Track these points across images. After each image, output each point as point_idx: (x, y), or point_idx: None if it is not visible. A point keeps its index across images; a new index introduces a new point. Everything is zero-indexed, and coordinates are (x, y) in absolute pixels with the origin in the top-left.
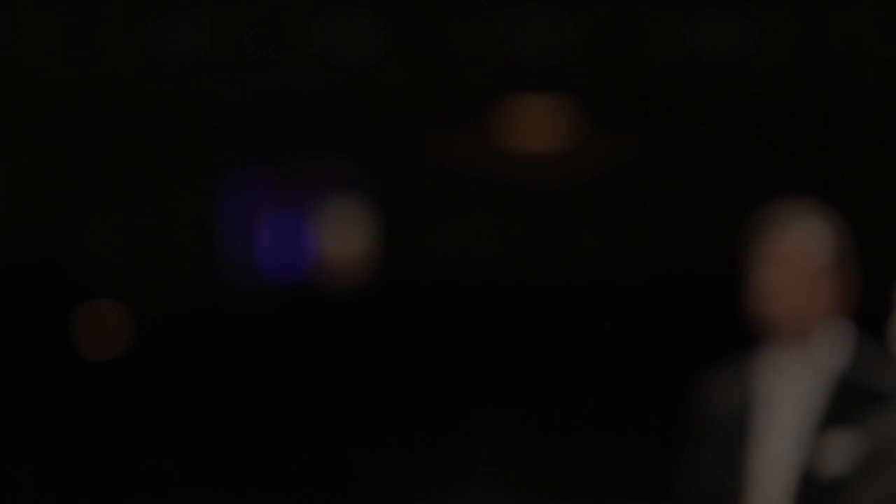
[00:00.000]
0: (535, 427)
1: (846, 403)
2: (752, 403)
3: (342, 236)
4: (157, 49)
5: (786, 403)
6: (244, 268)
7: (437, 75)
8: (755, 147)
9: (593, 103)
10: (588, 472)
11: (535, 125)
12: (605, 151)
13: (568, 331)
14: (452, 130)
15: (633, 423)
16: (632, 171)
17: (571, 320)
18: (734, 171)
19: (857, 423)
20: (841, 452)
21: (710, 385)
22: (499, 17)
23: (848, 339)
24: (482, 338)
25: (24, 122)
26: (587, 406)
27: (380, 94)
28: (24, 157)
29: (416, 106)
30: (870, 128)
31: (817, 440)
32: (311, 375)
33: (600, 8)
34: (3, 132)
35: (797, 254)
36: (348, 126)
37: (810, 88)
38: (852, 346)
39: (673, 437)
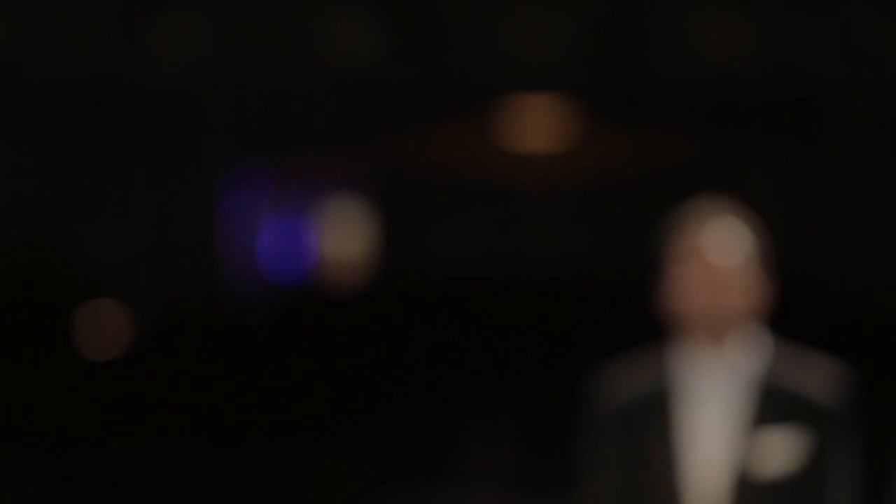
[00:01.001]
0: (534, 427)
1: (767, 405)
2: (666, 400)
3: (342, 236)
4: (157, 50)
5: (708, 403)
6: (244, 268)
7: (437, 75)
8: (755, 147)
9: (593, 103)
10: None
11: (535, 125)
12: (605, 151)
13: (568, 330)
14: (452, 130)
15: None
16: (632, 171)
17: (571, 320)
18: (734, 170)
19: (779, 425)
20: (775, 453)
21: (610, 379)
22: (499, 17)
23: (764, 341)
24: (482, 337)
25: (23, 123)
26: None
27: (380, 94)
28: (24, 157)
29: (416, 106)
30: (870, 128)
31: (748, 441)
32: (311, 375)
33: (600, 8)
34: (3, 132)
35: (714, 252)
36: (348, 126)
37: (810, 89)
38: (769, 348)
39: None
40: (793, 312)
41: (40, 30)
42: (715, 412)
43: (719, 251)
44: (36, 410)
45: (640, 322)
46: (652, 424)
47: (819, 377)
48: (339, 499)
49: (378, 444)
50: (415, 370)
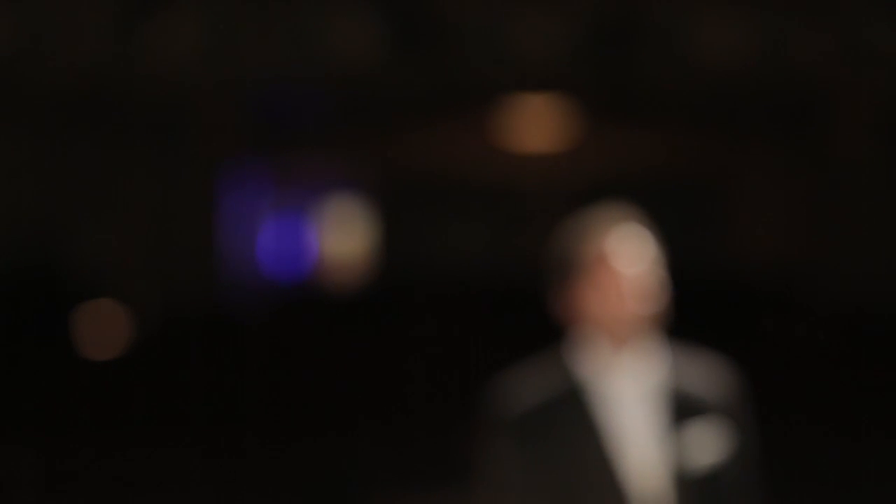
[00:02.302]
0: None
1: (675, 406)
2: (578, 404)
3: (342, 236)
4: (157, 48)
5: (623, 406)
6: (244, 268)
7: (438, 75)
8: (755, 147)
9: (593, 103)
10: None
11: (535, 125)
12: (605, 151)
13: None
14: (452, 130)
15: None
16: (632, 171)
17: None
18: (734, 170)
19: (690, 423)
20: (697, 451)
21: (512, 385)
22: (499, 17)
23: (664, 345)
24: (482, 337)
25: (23, 122)
26: None
27: (380, 94)
28: (23, 157)
29: (416, 106)
30: (870, 128)
31: (671, 440)
32: (311, 375)
33: (600, 8)
34: (2, 132)
35: (620, 258)
36: (348, 126)
37: (810, 88)
38: (669, 352)
39: None
40: (793, 313)
41: (40, 30)
42: (632, 414)
43: (625, 258)
44: (36, 410)
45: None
46: (571, 428)
47: (715, 376)
48: (339, 499)
49: (378, 444)
50: (415, 370)
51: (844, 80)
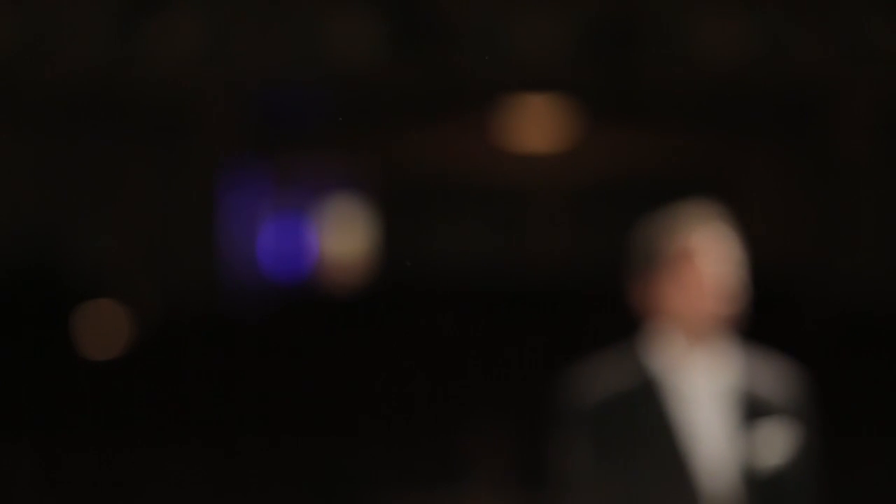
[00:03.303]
0: (535, 428)
1: (746, 406)
2: (653, 399)
3: (342, 236)
4: (157, 49)
5: (697, 402)
6: (244, 267)
7: (438, 75)
8: (755, 147)
9: (593, 103)
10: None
11: (535, 125)
12: (605, 151)
13: (569, 331)
14: (452, 130)
15: None
16: (632, 171)
17: (572, 320)
18: (734, 171)
19: (759, 424)
20: (765, 450)
21: (586, 377)
22: (499, 17)
23: (739, 345)
24: (482, 337)
25: (24, 122)
26: None
27: (380, 94)
28: (23, 157)
29: (416, 106)
30: (870, 128)
31: (741, 439)
32: (311, 375)
33: (600, 8)
34: (3, 132)
35: (707, 257)
36: (348, 126)
37: (810, 88)
38: (743, 352)
39: None
40: (793, 313)
41: (41, 30)
42: (704, 411)
43: (710, 257)
44: (36, 410)
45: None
46: (644, 421)
47: (782, 378)
48: (339, 499)
49: (378, 444)
50: (415, 370)
51: (844, 80)
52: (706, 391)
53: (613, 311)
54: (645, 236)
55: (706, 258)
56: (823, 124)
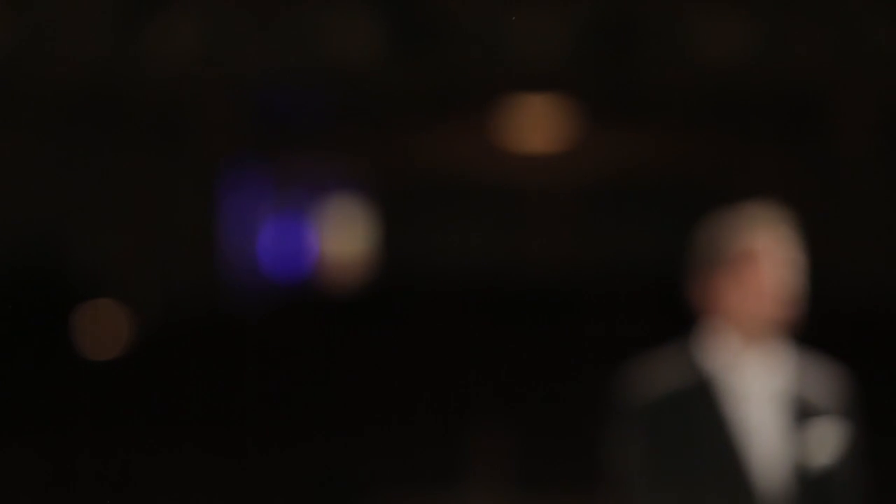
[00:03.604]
0: (535, 428)
1: (797, 407)
2: (709, 396)
3: (342, 236)
4: (157, 49)
5: (752, 401)
6: (244, 268)
7: (437, 75)
8: (755, 147)
9: (593, 103)
10: (588, 474)
11: (535, 125)
12: (605, 151)
13: (568, 331)
14: (452, 130)
15: None
16: (632, 171)
17: (571, 320)
18: (734, 171)
19: (809, 425)
20: (817, 450)
21: (643, 374)
22: (499, 17)
23: (792, 347)
24: (482, 337)
25: (24, 123)
26: (587, 407)
27: (380, 94)
28: (24, 157)
29: (416, 106)
30: (870, 128)
31: (794, 439)
32: (311, 375)
33: (601, 8)
34: (3, 132)
35: (772, 259)
36: (348, 126)
37: (810, 88)
38: (796, 354)
39: None
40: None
41: (39, 29)
42: (758, 411)
43: (773, 259)
44: (36, 410)
45: (640, 321)
46: (700, 419)
47: (831, 381)
48: (339, 499)
49: (378, 443)
50: (414, 370)
51: (844, 80)
52: (760, 391)
53: (612, 311)
54: (709, 235)
55: (769, 261)
56: (823, 124)
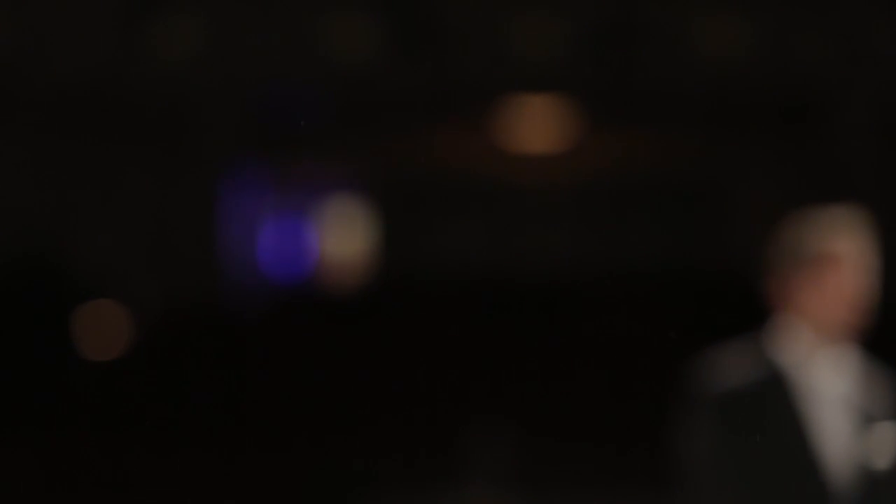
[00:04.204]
0: (534, 428)
1: (862, 407)
2: (781, 392)
3: (342, 236)
4: (157, 50)
5: (823, 399)
6: (244, 268)
7: (437, 75)
8: (755, 147)
9: (593, 103)
10: (588, 474)
11: (535, 125)
12: (605, 151)
13: (568, 330)
14: (452, 130)
15: (633, 424)
16: (632, 171)
17: (571, 320)
18: (734, 171)
19: (874, 424)
20: (882, 449)
21: (715, 367)
22: (499, 17)
23: (857, 351)
24: (482, 337)
25: (24, 122)
26: (587, 406)
27: (380, 95)
28: (23, 157)
29: (416, 106)
30: (869, 128)
31: (862, 437)
32: (312, 375)
33: (600, 9)
34: (2, 132)
35: (854, 264)
36: (348, 126)
37: (810, 88)
38: (860, 357)
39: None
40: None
41: (40, 30)
42: (827, 410)
43: (853, 263)
44: (36, 410)
45: (640, 321)
46: (773, 414)
47: (891, 384)
48: (339, 498)
49: (378, 443)
50: (414, 370)
51: (844, 80)
52: (829, 391)
53: (612, 311)
54: (792, 235)
55: (850, 266)
56: (823, 124)
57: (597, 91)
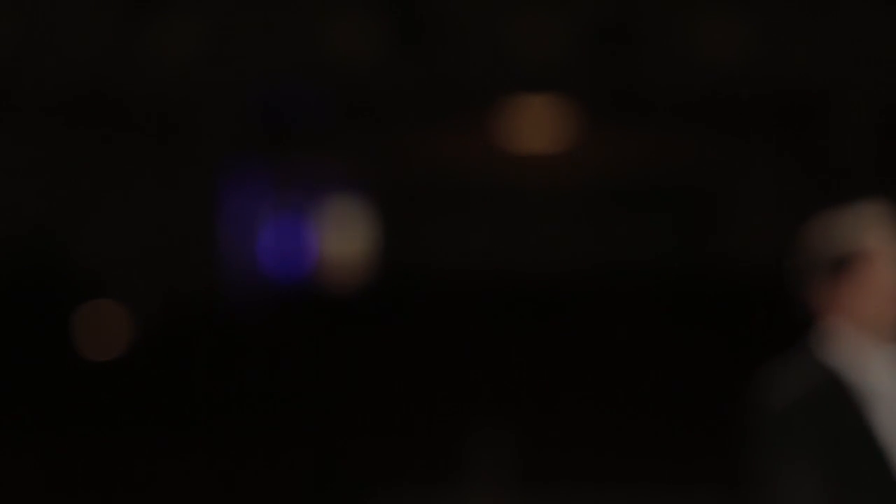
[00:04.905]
0: (535, 428)
1: None
2: (846, 399)
3: (342, 236)
4: (157, 50)
5: (879, 402)
6: (244, 268)
7: (438, 76)
8: (755, 147)
9: (593, 103)
10: (588, 473)
11: (535, 125)
12: (605, 151)
13: (568, 330)
14: (452, 130)
15: (633, 423)
16: (632, 171)
17: (571, 319)
18: (734, 171)
19: None
20: None
21: (776, 377)
22: (499, 17)
23: None
24: (482, 337)
25: (24, 122)
26: (587, 406)
27: (380, 95)
28: (24, 157)
29: (416, 106)
30: (870, 128)
31: None
32: (311, 375)
33: (600, 9)
34: (3, 132)
35: (890, 253)
36: (348, 126)
37: (810, 90)
38: None
39: (671, 437)
40: (790, 313)
41: (40, 30)
42: (886, 412)
43: (891, 258)
44: (36, 410)
45: (640, 321)
46: (843, 421)
47: None
48: (339, 498)
49: (378, 442)
50: (415, 369)
51: (844, 80)
52: (887, 392)
53: (612, 310)
54: (819, 239)
55: (884, 260)
56: (822, 125)
57: (597, 91)
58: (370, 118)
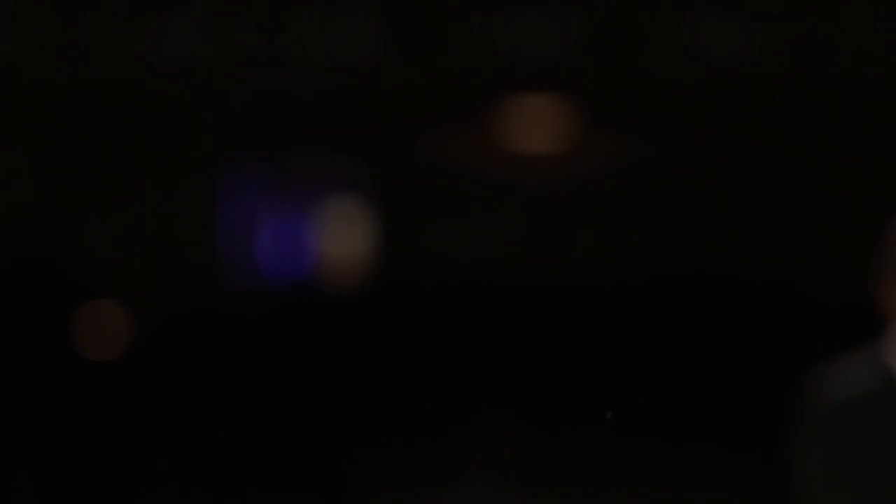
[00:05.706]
0: (535, 427)
1: None
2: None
3: (342, 236)
4: (157, 49)
5: None
6: (244, 268)
7: (437, 75)
8: (755, 147)
9: (593, 103)
10: (588, 473)
11: (535, 125)
12: (605, 151)
13: (568, 330)
14: (452, 130)
15: (633, 423)
16: (632, 171)
17: (571, 320)
18: (734, 171)
19: None
20: None
21: (831, 378)
22: (498, 17)
23: None
24: (482, 338)
25: (24, 122)
26: (587, 406)
27: (380, 94)
28: (23, 157)
29: (416, 106)
30: (870, 128)
31: None
32: (311, 375)
33: (600, 8)
34: (2, 132)
35: None
36: (348, 126)
37: (810, 89)
38: None
39: (671, 436)
40: (792, 313)
41: (41, 29)
42: None
43: None
44: (36, 410)
45: (639, 320)
46: (889, 425)
47: None
48: (339, 499)
49: (379, 444)
50: (415, 370)
51: (844, 80)
52: None
53: (611, 311)
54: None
55: None
56: (823, 125)
57: (597, 91)
58: (370, 118)
